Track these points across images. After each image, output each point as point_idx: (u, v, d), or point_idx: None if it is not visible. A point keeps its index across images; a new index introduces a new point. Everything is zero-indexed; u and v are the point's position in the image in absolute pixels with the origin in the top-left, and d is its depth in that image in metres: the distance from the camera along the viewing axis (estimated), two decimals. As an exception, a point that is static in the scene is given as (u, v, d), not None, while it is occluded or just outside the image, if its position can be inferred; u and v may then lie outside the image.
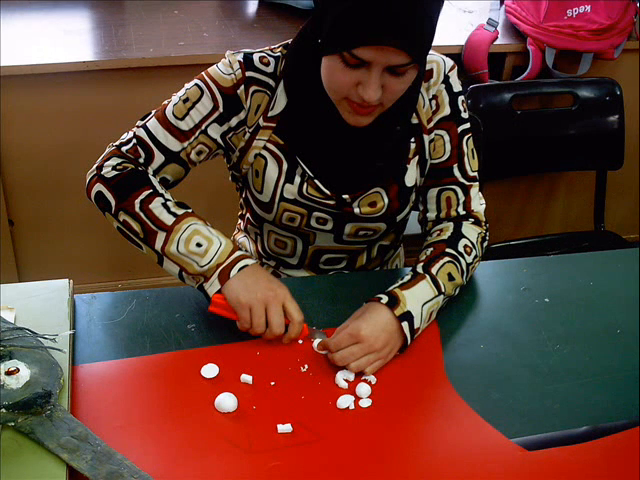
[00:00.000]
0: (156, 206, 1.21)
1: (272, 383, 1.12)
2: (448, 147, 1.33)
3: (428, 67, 1.28)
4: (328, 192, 1.30)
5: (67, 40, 2.18)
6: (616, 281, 1.40)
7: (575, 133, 2.23)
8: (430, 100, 1.30)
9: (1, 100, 2.07)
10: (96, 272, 2.45)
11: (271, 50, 1.29)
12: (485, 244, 1.35)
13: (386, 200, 1.32)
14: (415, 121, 1.30)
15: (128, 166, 1.25)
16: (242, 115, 1.27)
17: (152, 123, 1.27)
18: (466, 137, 1.34)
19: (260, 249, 1.47)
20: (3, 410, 0.98)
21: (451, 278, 1.25)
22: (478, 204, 1.36)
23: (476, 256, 1.31)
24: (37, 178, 2.23)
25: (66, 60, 2.07)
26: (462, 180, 1.34)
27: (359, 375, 1.14)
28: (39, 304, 1.20)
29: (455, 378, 1.15)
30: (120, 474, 0.93)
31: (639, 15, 2.41)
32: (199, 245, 1.19)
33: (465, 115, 1.33)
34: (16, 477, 0.93)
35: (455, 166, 1.33)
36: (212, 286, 1.19)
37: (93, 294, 1.28)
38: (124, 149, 1.27)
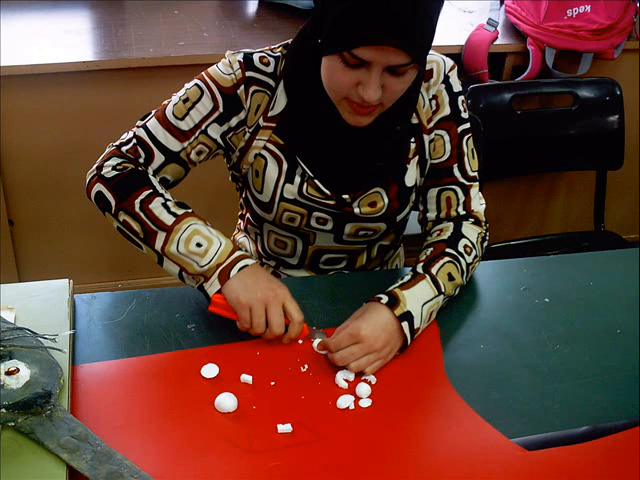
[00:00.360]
0: (156, 206, 1.21)
1: (272, 383, 1.12)
2: (448, 147, 1.33)
3: (428, 67, 1.28)
4: (328, 192, 1.30)
5: (67, 40, 2.18)
6: (616, 281, 1.40)
7: (575, 133, 2.23)
8: (430, 100, 1.30)
9: (1, 100, 2.07)
10: (96, 272, 2.45)
11: (271, 50, 1.29)
12: (485, 244, 1.35)
13: (386, 200, 1.32)
14: (415, 121, 1.30)
15: (128, 166, 1.25)
16: (242, 115, 1.27)
17: (152, 123, 1.27)
18: (466, 137, 1.34)
19: (260, 249, 1.47)
20: (3, 410, 0.98)
21: (451, 278, 1.25)
22: (478, 204, 1.36)
23: (476, 256, 1.31)
24: (37, 178, 2.23)
25: (66, 60, 2.07)
26: (462, 180, 1.34)
27: (359, 375, 1.14)
28: (39, 304, 1.20)
29: (455, 378, 1.15)
30: (120, 474, 0.93)
31: (639, 15, 2.41)
32: (199, 245, 1.19)
33: (465, 115, 1.33)
34: (16, 477, 0.93)
35: (455, 166, 1.33)
36: (212, 286, 1.19)
37: (93, 294, 1.28)
38: (124, 149, 1.27)
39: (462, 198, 1.35)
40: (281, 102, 1.27)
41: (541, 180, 2.67)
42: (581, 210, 2.69)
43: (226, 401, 1.07)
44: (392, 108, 1.20)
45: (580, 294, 1.35)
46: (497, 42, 2.35)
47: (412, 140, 1.31)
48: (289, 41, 1.28)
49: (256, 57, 1.26)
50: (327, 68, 1.16)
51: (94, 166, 1.28)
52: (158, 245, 1.20)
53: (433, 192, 1.35)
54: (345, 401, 1.09)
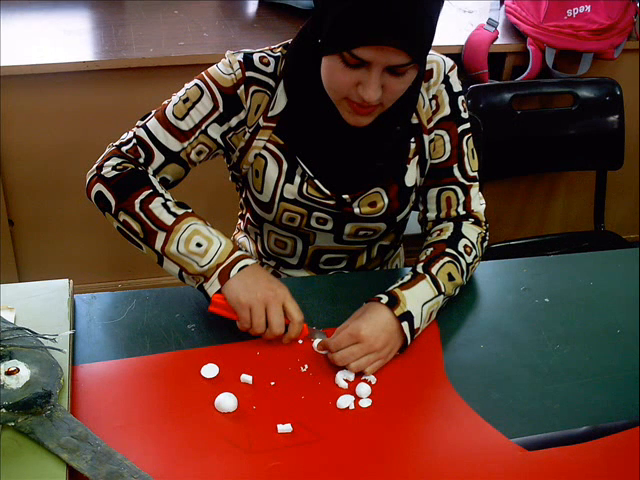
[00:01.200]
0: (156, 206, 1.21)
1: (272, 383, 1.12)
2: (448, 147, 1.33)
3: (428, 67, 1.28)
4: (328, 192, 1.30)
5: (67, 40, 2.18)
6: (616, 281, 1.40)
7: (575, 133, 2.23)
8: (430, 100, 1.30)
9: (1, 100, 2.07)
10: (96, 272, 2.45)
11: (271, 50, 1.29)
12: (485, 244, 1.35)
13: (386, 200, 1.32)
14: (415, 121, 1.30)
15: (128, 166, 1.25)
16: (242, 115, 1.27)
17: (152, 123, 1.27)
18: (466, 137, 1.34)
19: (260, 249, 1.47)
20: (3, 410, 0.98)
21: (451, 278, 1.25)
22: (478, 204, 1.36)
23: (476, 256, 1.31)
24: (37, 178, 2.23)
25: (66, 60, 2.07)
26: (462, 180, 1.34)
27: (359, 375, 1.14)
28: (39, 304, 1.20)
29: (455, 378, 1.15)
30: (120, 474, 0.93)
31: (639, 15, 2.41)
32: (199, 245, 1.19)
33: (465, 115, 1.33)
34: (16, 477, 0.93)
35: (455, 166, 1.33)
36: (212, 286, 1.19)
37: (93, 294, 1.28)
38: (124, 149, 1.27)
39: (462, 198, 1.35)
40: (281, 102, 1.27)
41: (541, 180, 2.67)
42: (581, 210, 2.69)
43: (226, 401, 1.07)
44: (392, 108, 1.20)
45: (580, 294, 1.35)
46: (497, 42, 2.35)
47: (412, 140, 1.31)
48: (289, 41, 1.28)
49: (256, 57, 1.26)
50: (327, 68, 1.16)
51: (94, 166, 1.28)
52: (158, 245, 1.20)
53: (433, 192, 1.35)
54: (345, 401, 1.09)
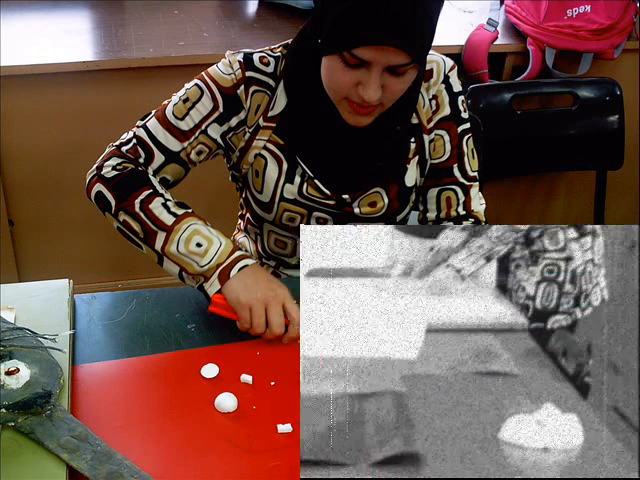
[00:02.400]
0: (156, 206, 1.21)
1: (272, 383, 1.12)
2: (448, 147, 1.33)
3: (428, 67, 1.28)
4: (328, 192, 1.30)
5: (67, 40, 2.18)
6: (616, 281, 1.39)
7: (575, 133, 2.23)
8: (430, 100, 1.30)
9: (1, 100, 2.07)
10: (96, 272, 2.45)
11: (271, 50, 1.29)
12: (485, 244, 1.35)
13: (386, 200, 1.32)
14: (415, 121, 1.30)
15: (128, 166, 1.25)
16: (242, 115, 1.27)
17: (152, 123, 1.27)
18: (466, 137, 1.34)
19: (260, 249, 1.47)
20: (3, 410, 0.98)
21: (451, 278, 1.25)
22: (478, 204, 1.37)
23: (476, 256, 1.31)
24: (37, 178, 2.23)
25: (66, 60, 2.07)
26: (462, 180, 1.34)
27: (359, 375, 1.14)
28: (39, 304, 1.20)
29: (455, 378, 1.15)
30: (120, 474, 0.93)
31: (639, 15, 2.41)
32: (199, 245, 1.19)
33: (465, 115, 1.33)
34: (16, 477, 0.93)
35: (455, 166, 1.34)
36: (212, 286, 1.19)
37: (93, 294, 1.28)
38: (124, 149, 1.27)
39: (462, 198, 1.35)
40: (281, 102, 1.27)
41: (541, 180, 2.67)
42: (581, 210, 2.69)
43: (226, 401, 1.07)
44: (392, 108, 1.20)
45: (580, 294, 1.35)
46: (497, 42, 2.34)
47: (412, 140, 1.31)
48: (289, 41, 1.28)
49: (256, 57, 1.26)
50: (327, 68, 1.16)
51: (94, 166, 1.28)
52: (158, 245, 1.20)
53: (433, 192, 1.35)
54: (345, 401, 1.09)
